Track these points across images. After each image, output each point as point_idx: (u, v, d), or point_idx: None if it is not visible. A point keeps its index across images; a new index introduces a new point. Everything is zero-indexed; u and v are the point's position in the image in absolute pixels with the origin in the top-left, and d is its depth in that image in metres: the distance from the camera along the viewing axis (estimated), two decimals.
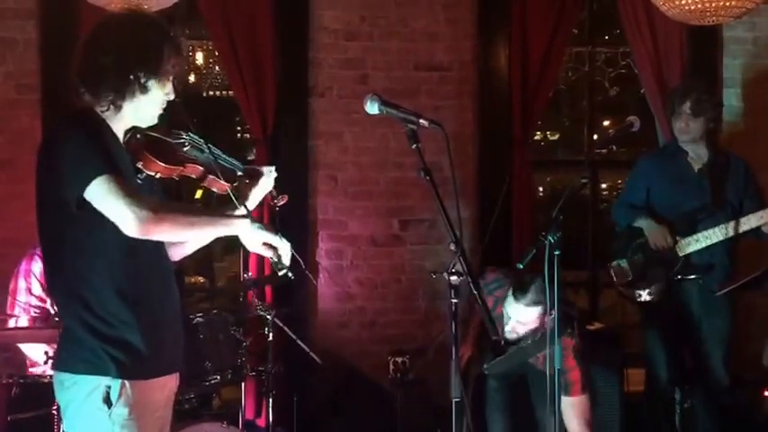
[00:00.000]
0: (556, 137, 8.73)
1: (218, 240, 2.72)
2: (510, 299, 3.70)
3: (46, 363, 3.81)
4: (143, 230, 2.31)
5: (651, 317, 4.35)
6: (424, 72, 5.32)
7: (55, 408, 3.50)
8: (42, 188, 2.45)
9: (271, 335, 4.28)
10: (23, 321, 3.98)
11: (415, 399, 4.75)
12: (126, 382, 2.41)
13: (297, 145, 5.23)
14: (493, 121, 5.36)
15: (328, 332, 5.25)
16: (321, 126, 5.28)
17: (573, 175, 4.37)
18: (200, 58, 6.51)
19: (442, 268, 2.83)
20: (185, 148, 2.57)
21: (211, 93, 7.00)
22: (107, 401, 2.39)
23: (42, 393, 3.56)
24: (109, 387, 2.40)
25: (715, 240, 4.17)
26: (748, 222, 4.11)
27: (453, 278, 2.64)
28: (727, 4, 3.91)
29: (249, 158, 5.29)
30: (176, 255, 2.72)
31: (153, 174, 2.52)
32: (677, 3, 3.97)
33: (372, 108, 2.67)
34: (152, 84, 2.46)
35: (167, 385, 2.61)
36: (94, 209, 2.33)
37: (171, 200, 2.72)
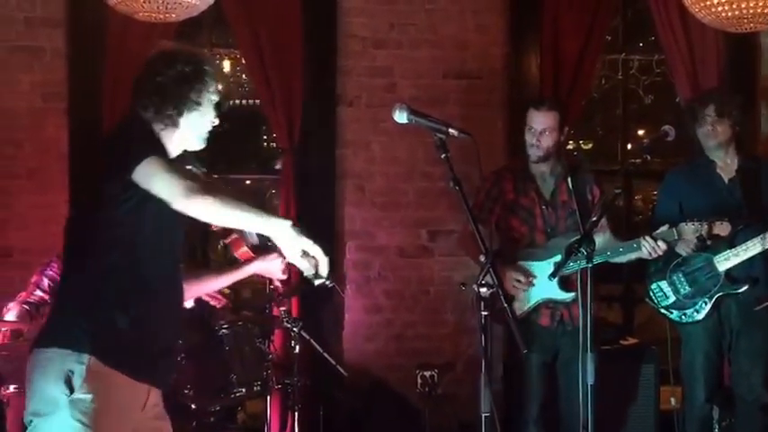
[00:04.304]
0: (589, 146, 8.65)
1: None
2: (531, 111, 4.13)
3: None
4: (188, 199, 2.35)
5: (689, 332, 4.22)
6: (454, 80, 5.25)
7: None
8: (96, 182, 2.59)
9: (297, 347, 4.24)
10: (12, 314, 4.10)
11: (443, 414, 4.68)
12: (90, 363, 2.40)
13: (324, 154, 5.19)
14: (524, 131, 5.24)
15: (355, 345, 5.19)
16: (349, 135, 5.23)
17: (607, 185, 4.27)
18: (226, 66, 6.50)
19: (472, 280, 2.77)
20: None
21: (238, 101, 6.99)
22: (68, 384, 2.39)
23: None
24: (71, 372, 2.39)
25: (753, 252, 4.02)
26: None
27: (483, 290, 2.59)
28: (765, 11, 3.84)
29: (276, 168, 5.26)
30: (194, 293, 2.92)
31: None
32: (713, 10, 3.92)
33: (401, 117, 2.67)
34: (203, 99, 2.64)
35: (138, 393, 2.57)
36: (138, 197, 2.42)
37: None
